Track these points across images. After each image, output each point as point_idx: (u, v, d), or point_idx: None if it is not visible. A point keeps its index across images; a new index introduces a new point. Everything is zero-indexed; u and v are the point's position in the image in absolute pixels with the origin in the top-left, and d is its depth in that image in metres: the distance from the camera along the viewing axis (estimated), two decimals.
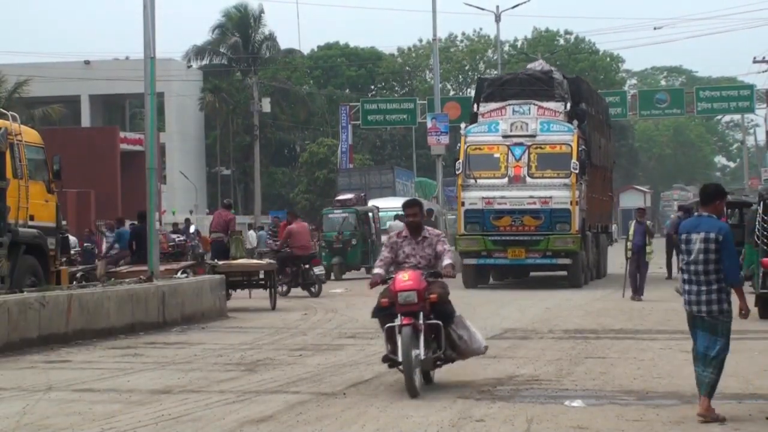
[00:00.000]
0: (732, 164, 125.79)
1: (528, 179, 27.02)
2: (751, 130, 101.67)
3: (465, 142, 27.73)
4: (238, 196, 70.37)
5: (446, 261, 10.86)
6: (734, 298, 9.27)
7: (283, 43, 75.37)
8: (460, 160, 27.62)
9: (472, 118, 28.91)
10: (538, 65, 31.33)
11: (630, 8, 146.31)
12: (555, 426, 8.98)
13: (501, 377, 11.68)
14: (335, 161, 59.46)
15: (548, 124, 27.49)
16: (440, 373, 11.23)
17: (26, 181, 18.74)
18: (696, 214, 9.72)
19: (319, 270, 26.32)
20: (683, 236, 9.34)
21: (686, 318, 9.42)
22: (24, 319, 14.73)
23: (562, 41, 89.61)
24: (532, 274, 31.31)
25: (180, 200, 63.22)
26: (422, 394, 10.40)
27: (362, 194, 37.40)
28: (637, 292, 23.08)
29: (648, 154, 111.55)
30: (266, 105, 62.79)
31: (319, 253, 33.81)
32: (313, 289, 25.77)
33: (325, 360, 13.44)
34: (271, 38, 73.41)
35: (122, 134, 56.76)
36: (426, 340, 10.43)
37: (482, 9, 57.68)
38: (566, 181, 26.84)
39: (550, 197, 26.80)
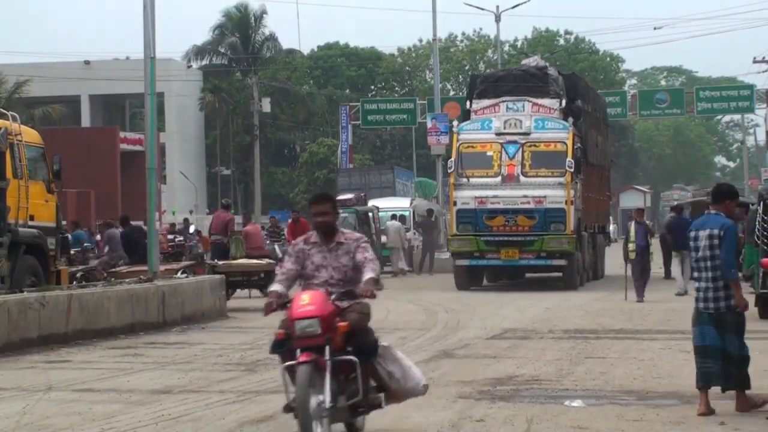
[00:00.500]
0: (732, 164, 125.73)
1: (522, 178, 26.33)
2: (751, 130, 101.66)
3: (457, 140, 27.05)
4: (238, 196, 70.37)
5: (367, 274, 8.21)
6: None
7: (283, 43, 75.51)
8: (453, 159, 26.98)
9: (465, 116, 28.31)
10: (533, 61, 30.58)
11: (630, 8, 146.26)
12: (555, 426, 8.98)
13: (501, 377, 11.68)
14: (335, 161, 59.43)
15: (543, 122, 26.81)
16: (440, 374, 11.16)
17: (26, 181, 18.73)
18: (706, 212, 9.81)
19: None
20: (692, 234, 9.48)
21: (693, 314, 9.50)
22: (24, 319, 14.74)
23: (562, 41, 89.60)
24: (527, 275, 30.72)
25: (180, 200, 63.22)
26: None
27: (362, 194, 37.32)
28: (639, 294, 22.82)
29: (648, 154, 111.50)
30: (266, 105, 62.80)
31: None
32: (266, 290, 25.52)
33: None
34: (272, 38, 73.50)
35: (122, 134, 56.80)
36: (339, 382, 7.96)
37: (482, 9, 57.76)
38: (561, 180, 26.20)
39: (545, 196, 26.09)
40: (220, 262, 22.49)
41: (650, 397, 10.38)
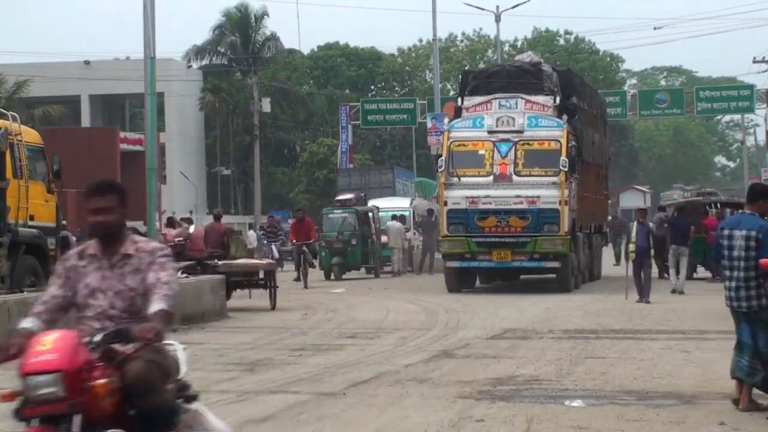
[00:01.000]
0: (732, 164, 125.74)
1: (514, 177, 25.43)
2: (751, 130, 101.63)
3: (448, 138, 26.00)
4: (238, 196, 70.42)
5: (155, 305, 5.54)
6: None
7: (284, 43, 75.54)
8: (443, 157, 26.00)
9: (456, 113, 27.23)
10: (527, 57, 29.83)
11: (630, 8, 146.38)
12: (555, 426, 8.98)
13: (501, 377, 11.68)
14: (335, 161, 59.44)
15: (536, 119, 25.85)
16: (440, 374, 11.21)
17: (26, 181, 18.75)
18: (740, 211, 9.93)
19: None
20: (725, 232, 9.67)
21: (729, 312, 9.71)
22: None
23: (562, 41, 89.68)
24: (522, 276, 30.04)
25: (180, 200, 63.20)
26: (422, 394, 10.38)
27: (362, 194, 37.37)
28: (643, 295, 22.74)
29: (648, 154, 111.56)
30: (266, 105, 62.84)
31: (319, 253, 33.91)
32: None
33: (325, 360, 13.43)
34: (272, 38, 73.49)
35: (122, 134, 56.82)
36: None
37: (482, 9, 57.68)
38: (555, 179, 25.27)
39: (538, 196, 25.21)
40: (221, 262, 22.49)
41: (650, 397, 10.38)
